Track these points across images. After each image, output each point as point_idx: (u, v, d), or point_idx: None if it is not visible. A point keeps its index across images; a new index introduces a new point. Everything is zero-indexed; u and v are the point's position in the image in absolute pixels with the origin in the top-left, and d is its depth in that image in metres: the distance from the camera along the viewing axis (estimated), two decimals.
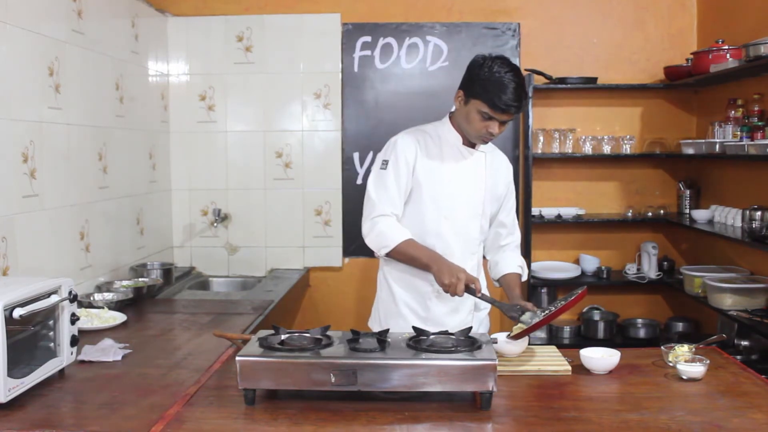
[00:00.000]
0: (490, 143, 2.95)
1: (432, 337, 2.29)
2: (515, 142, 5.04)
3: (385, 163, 2.88)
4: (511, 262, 3.05)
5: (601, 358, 2.43)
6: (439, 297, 2.91)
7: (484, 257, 3.14)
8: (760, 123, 4.01)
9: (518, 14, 5.05)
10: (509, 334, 2.55)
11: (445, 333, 2.32)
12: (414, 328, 2.36)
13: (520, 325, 2.58)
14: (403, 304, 2.98)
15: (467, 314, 3.00)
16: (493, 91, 2.67)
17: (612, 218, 5.02)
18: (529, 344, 2.59)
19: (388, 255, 2.84)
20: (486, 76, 2.70)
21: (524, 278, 3.07)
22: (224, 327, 3.21)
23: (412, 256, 2.82)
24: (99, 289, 3.76)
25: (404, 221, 2.90)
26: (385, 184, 2.86)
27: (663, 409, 2.10)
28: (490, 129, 2.74)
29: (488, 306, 3.09)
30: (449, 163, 2.89)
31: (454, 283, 2.66)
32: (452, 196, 2.89)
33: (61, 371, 2.41)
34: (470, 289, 2.68)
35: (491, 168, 2.97)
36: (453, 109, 2.91)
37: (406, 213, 2.91)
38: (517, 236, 3.14)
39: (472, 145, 2.91)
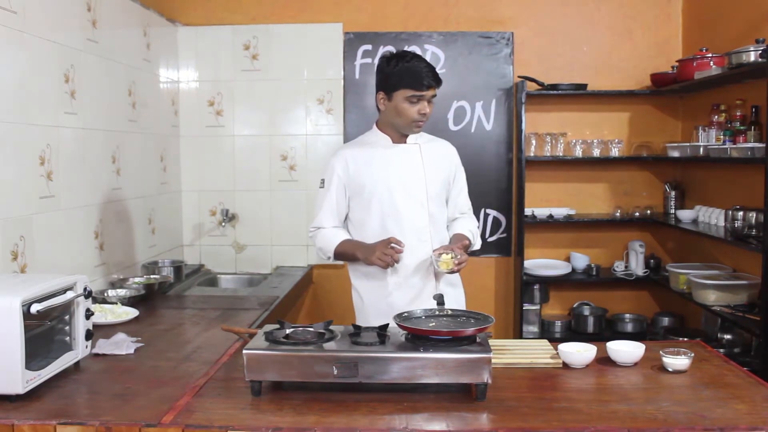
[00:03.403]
0: (428, 135, 3.14)
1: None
2: (509, 145, 5.14)
3: (322, 182, 3.11)
4: (459, 226, 3.16)
5: (576, 352, 2.46)
6: (398, 288, 3.04)
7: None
8: (742, 127, 4.06)
9: (512, 24, 5.13)
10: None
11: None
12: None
13: (443, 257, 2.83)
14: (369, 305, 3.12)
15: (429, 298, 3.00)
16: (411, 74, 2.88)
17: (601, 218, 5.09)
18: (521, 337, 2.71)
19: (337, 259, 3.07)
20: (398, 68, 2.91)
21: (475, 247, 3.18)
22: (232, 322, 3.27)
23: (346, 256, 3.04)
24: (112, 285, 3.83)
25: (356, 225, 3.08)
26: (322, 201, 3.09)
27: (650, 400, 2.14)
28: (422, 111, 2.92)
29: (458, 282, 3.22)
30: (380, 164, 3.03)
31: (383, 258, 2.87)
32: (390, 193, 3.01)
33: (77, 364, 2.45)
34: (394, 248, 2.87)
35: (428, 156, 3.09)
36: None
37: (356, 219, 3.09)
38: (471, 214, 3.30)
39: (405, 142, 3.07)
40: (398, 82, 2.91)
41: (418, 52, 5.08)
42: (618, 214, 5.12)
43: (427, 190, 3.06)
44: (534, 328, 5.03)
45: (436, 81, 2.93)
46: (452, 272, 2.92)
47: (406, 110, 2.94)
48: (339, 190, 3.06)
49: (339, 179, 3.05)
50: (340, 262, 3.20)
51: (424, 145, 3.11)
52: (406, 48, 5.10)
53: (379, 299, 3.08)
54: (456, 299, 3.17)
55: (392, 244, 2.87)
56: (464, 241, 3.04)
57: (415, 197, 3.04)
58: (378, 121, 3.12)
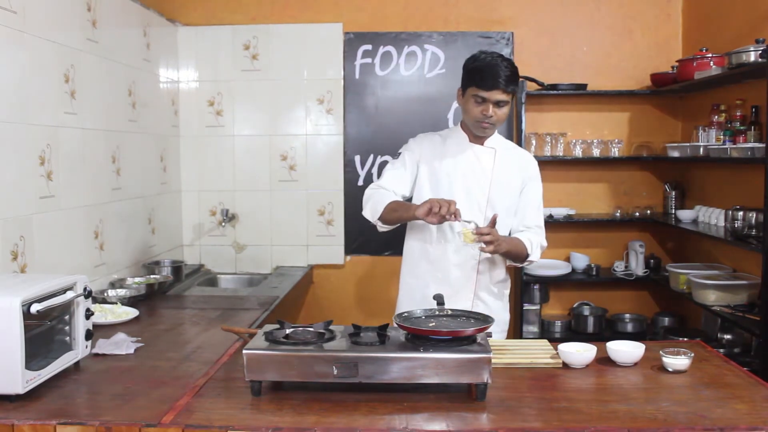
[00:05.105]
0: (510, 143, 3.16)
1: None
2: None
3: (398, 154, 3.15)
4: (522, 235, 3.06)
5: (576, 352, 2.47)
6: (436, 282, 3.03)
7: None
8: (741, 127, 4.06)
9: (512, 23, 5.14)
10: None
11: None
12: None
13: (464, 224, 2.78)
14: (405, 293, 3.19)
15: (465, 300, 3.05)
16: (479, 72, 2.87)
17: (601, 218, 5.10)
18: (522, 337, 2.69)
19: (381, 221, 2.98)
20: (474, 65, 2.92)
21: (532, 257, 3.04)
22: (232, 322, 3.28)
23: (397, 211, 2.92)
24: (112, 285, 3.83)
25: None
26: (392, 168, 3.11)
27: (650, 400, 2.15)
28: (485, 111, 2.90)
29: (501, 293, 3.17)
30: (451, 159, 3.05)
31: (437, 204, 2.70)
32: (451, 190, 3.01)
33: (77, 364, 2.45)
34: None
35: (501, 163, 3.07)
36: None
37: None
38: (540, 231, 3.14)
39: (482, 144, 3.08)
40: (469, 79, 2.94)
41: (418, 52, 5.14)
42: (618, 214, 5.14)
43: (489, 196, 3.05)
44: (534, 328, 5.04)
45: (506, 84, 2.85)
46: (481, 249, 2.82)
47: (471, 109, 2.95)
48: (411, 166, 3.10)
49: (412, 156, 3.10)
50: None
51: (500, 151, 3.10)
52: (406, 48, 5.13)
53: (416, 289, 3.11)
54: (494, 310, 3.08)
55: (456, 205, 2.74)
56: (495, 225, 2.89)
57: (474, 199, 3.04)
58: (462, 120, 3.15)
